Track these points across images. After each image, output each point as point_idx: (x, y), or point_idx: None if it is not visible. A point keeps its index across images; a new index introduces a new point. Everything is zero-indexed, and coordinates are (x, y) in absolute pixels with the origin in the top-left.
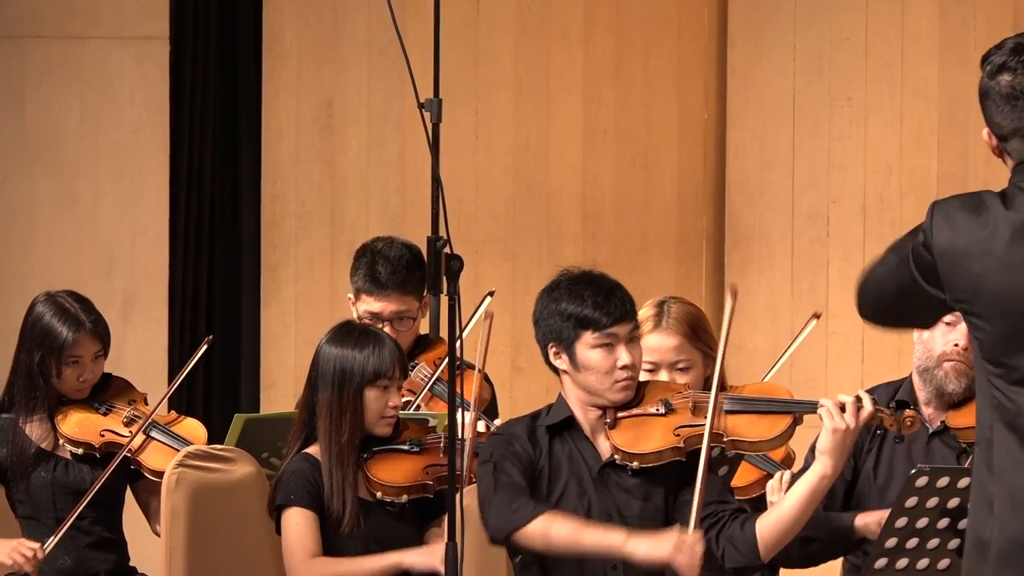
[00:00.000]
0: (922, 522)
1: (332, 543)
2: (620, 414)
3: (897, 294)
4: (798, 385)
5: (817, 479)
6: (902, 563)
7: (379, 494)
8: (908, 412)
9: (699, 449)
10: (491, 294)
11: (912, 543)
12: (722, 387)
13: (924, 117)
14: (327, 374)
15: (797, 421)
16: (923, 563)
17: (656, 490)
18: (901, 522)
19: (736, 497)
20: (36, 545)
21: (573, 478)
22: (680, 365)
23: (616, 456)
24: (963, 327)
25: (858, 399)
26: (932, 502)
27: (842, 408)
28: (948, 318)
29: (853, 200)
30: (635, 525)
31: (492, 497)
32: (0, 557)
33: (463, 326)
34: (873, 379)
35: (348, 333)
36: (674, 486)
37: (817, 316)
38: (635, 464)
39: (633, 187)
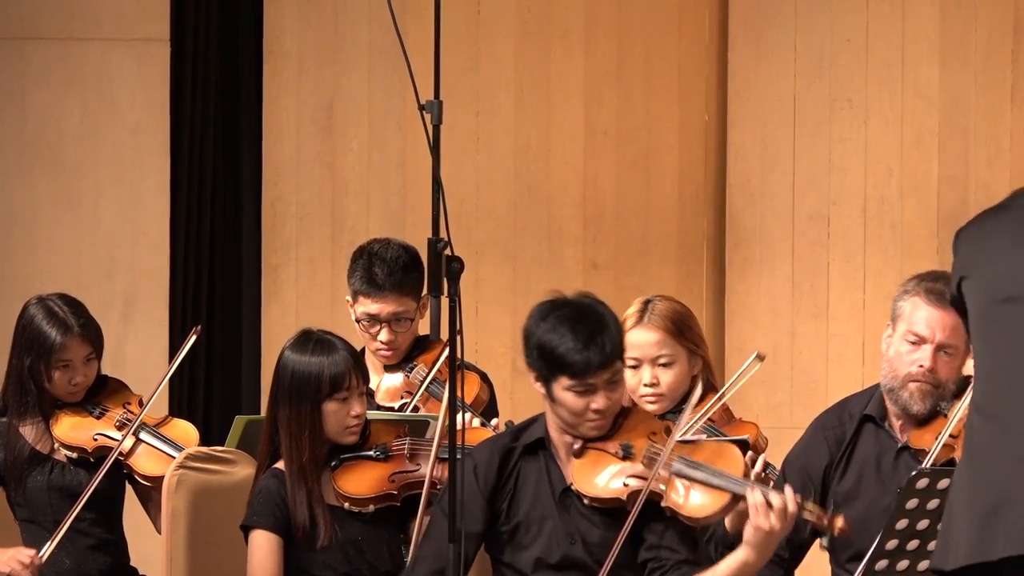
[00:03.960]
0: (923, 524)
1: (309, 555)
2: (588, 443)
3: None
4: (799, 387)
5: (739, 565)
6: (903, 565)
7: (346, 505)
8: (839, 522)
9: (644, 500)
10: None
11: (913, 545)
12: (712, 387)
13: (925, 119)
14: (285, 388)
15: (739, 498)
16: (924, 565)
17: (616, 520)
18: (902, 524)
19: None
20: (32, 552)
21: (538, 500)
22: (661, 360)
23: (572, 486)
24: (927, 347)
25: (783, 503)
26: (932, 504)
27: (770, 505)
28: (911, 337)
29: (854, 202)
30: (596, 552)
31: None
32: None
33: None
34: (873, 380)
35: (304, 343)
36: (637, 515)
37: (761, 358)
38: (587, 500)
39: (634, 189)
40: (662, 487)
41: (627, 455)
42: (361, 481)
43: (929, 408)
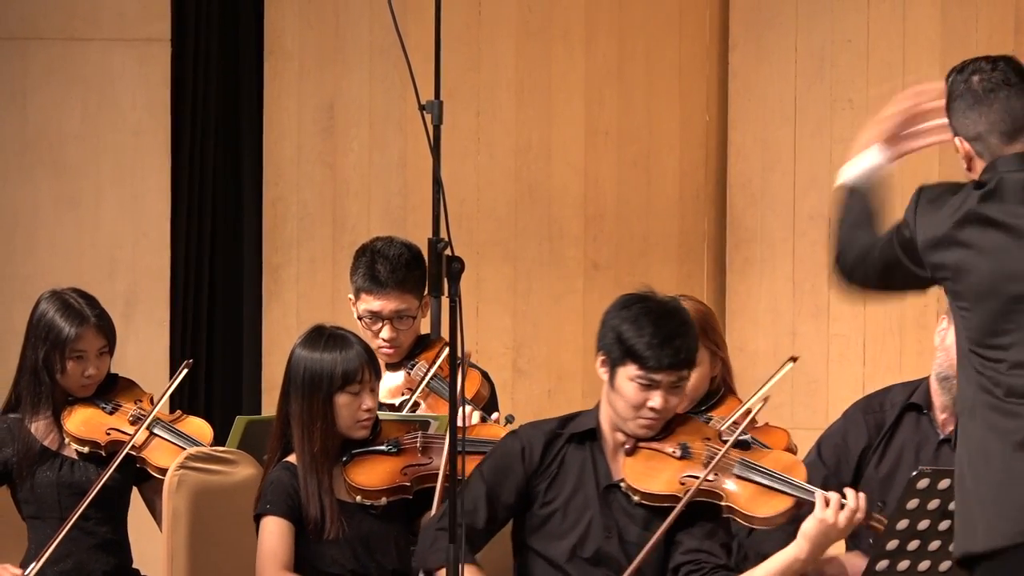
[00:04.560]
0: (923, 524)
1: (318, 549)
2: (641, 443)
3: (883, 266)
4: (800, 387)
5: (790, 560)
6: (903, 565)
7: (358, 498)
8: None
9: (699, 500)
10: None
11: (914, 545)
12: (730, 390)
13: None
14: (297, 382)
15: (800, 505)
16: (924, 565)
17: (657, 521)
18: (903, 524)
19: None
20: (19, 572)
21: (580, 489)
22: None
23: (622, 483)
24: None
25: (857, 505)
26: (933, 504)
27: (841, 505)
28: None
29: None
30: (631, 550)
31: (435, 521)
32: None
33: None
34: (874, 381)
35: (316, 339)
36: (676, 520)
37: (794, 360)
38: (637, 498)
39: (635, 189)
40: (723, 487)
41: (685, 455)
42: (373, 473)
43: None
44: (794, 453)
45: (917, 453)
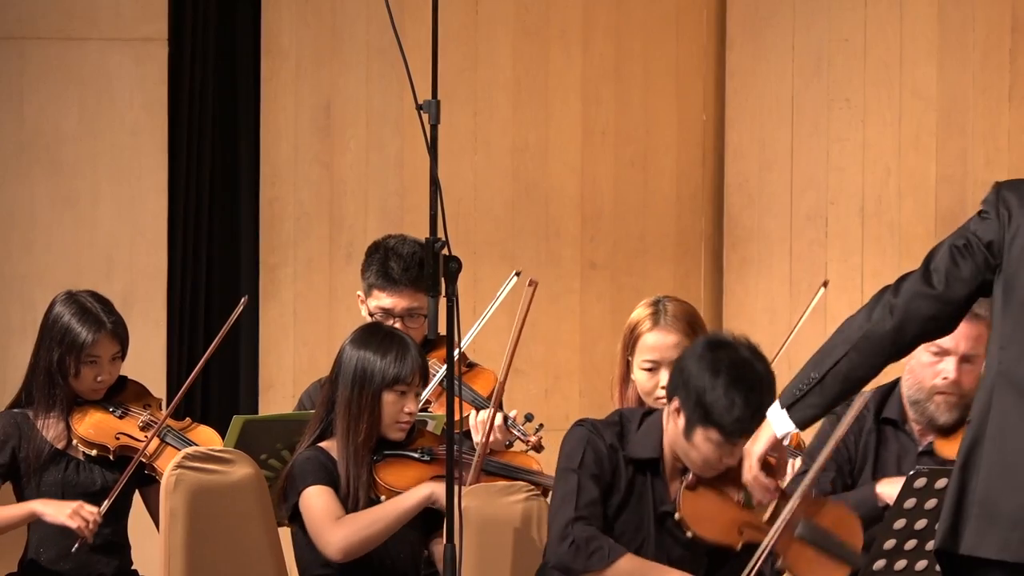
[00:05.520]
0: (920, 524)
1: None
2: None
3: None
4: None
5: None
6: (900, 564)
7: (383, 497)
8: None
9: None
10: (517, 274)
11: (910, 544)
12: None
13: (923, 118)
14: (348, 373)
15: (855, 572)
16: (921, 564)
17: (705, 548)
18: (899, 524)
19: None
20: (95, 510)
21: (636, 510)
22: None
23: (676, 514)
24: (951, 359)
25: None
26: (931, 504)
27: None
28: (933, 348)
29: (852, 201)
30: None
31: (570, 523)
32: (59, 517)
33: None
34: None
35: (373, 335)
36: (724, 553)
37: (825, 284)
38: (690, 534)
39: (632, 188)
40: (781, 547)
41: (748, 504)
42: (402, 477)
43: (956, 418)
44: (801, 448)
45: (899, 466)
